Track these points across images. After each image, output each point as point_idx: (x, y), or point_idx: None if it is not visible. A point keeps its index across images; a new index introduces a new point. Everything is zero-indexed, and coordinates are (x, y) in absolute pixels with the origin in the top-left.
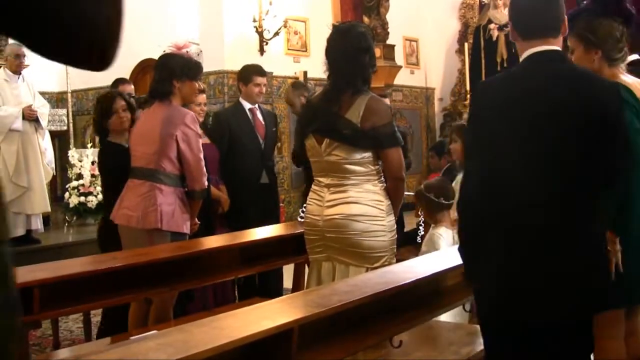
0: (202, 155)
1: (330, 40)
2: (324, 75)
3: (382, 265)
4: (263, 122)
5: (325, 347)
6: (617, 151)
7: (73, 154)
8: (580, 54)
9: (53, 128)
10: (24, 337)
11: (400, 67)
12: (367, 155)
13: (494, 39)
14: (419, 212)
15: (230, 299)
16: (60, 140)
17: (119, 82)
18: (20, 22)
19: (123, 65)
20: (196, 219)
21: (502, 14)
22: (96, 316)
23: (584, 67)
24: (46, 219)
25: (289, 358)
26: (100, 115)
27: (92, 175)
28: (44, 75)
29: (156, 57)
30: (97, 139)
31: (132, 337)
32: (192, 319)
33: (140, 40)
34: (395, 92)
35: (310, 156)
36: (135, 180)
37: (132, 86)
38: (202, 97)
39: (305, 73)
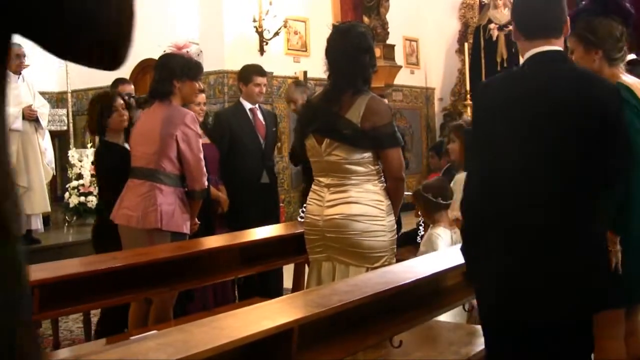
0: (202, 155)
1: (331, 40)
2: (324, 75)
3: (382, 265)
4: (263, 122)
5: (325, 347)
6: (617, 151)
7: (73, 154)
8: (580, 54)
9: (53, 128)
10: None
11: (400, 67)
12: (367, 155)
13: (494, 39)
14: (419, 212)
15: (230, 299)
16: (60, 140)
17: (118, 82)
18: (35, 23)
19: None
20: (196, 219)
21: (502, 14)
22: (96, 316)
23: (584, 67)
24: (46, 219)
25: (289, 358)
26: (100, 114)
27: (92, 175)
28: (44, 75)
29: (156, 57)
30: (97, 139)
31: (132, 337)
32: (192, 319)
33: (140, 40)
34: (395, 92)
35: (310, 156)
36: (135, 180)
37: (132, 86)
38: (202, 97)
39: (305, 73)
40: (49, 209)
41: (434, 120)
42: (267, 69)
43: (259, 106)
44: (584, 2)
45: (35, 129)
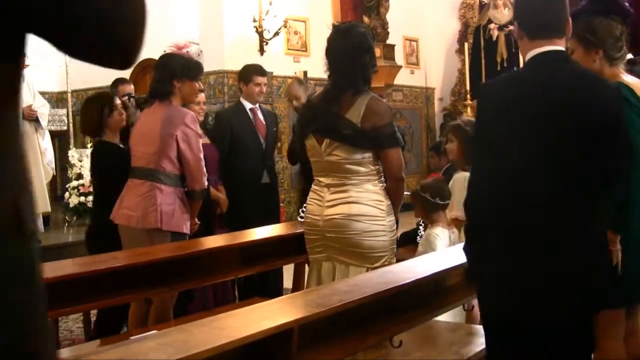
0: (202, 155)
1: (331, 40)
2: (324, 75)
3: (382, 265)
4: (264, 122)
5: (325, 347)
6: (617, 151)
7: (73, 154)
8: (581, 54)
9: (53, 128)
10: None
11: (400, 67)
12: (368, 155)
13: (494, 38)
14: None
15: (230, 299)
16: (60, 140)
17: (118, 82)
18: (51, 23)
19: None
20: (196, 219)
21: (502, 14)
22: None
23: (585, 67)
24: (46, 219)
25: (289, 358)
26: (100, 113)
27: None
28: (44, 75)
29: (156, 57)
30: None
31: (132, 337)
32: (192, 319)
33: None
34: (395, 92)
35: (310, 156)
36: (135, 180)
37: (132, 86)
38: (202, 97)
39: (305, 73)
40: (49, 209)
41: (434, 120)
42: (267, 69)
43: (260, 106)
44: (582, 2)
45: (35, 129)
